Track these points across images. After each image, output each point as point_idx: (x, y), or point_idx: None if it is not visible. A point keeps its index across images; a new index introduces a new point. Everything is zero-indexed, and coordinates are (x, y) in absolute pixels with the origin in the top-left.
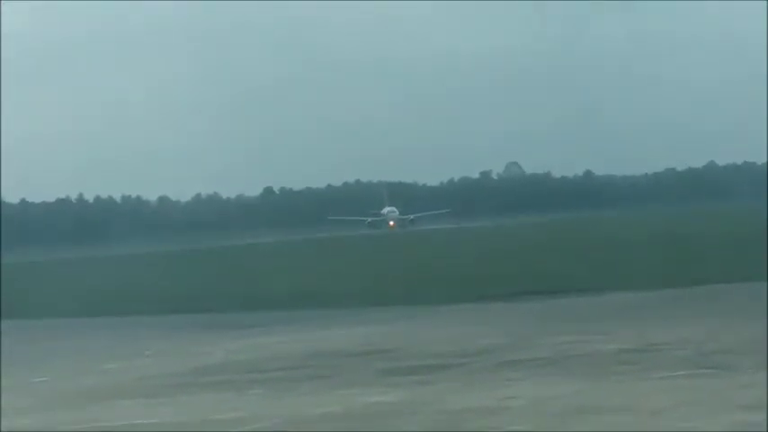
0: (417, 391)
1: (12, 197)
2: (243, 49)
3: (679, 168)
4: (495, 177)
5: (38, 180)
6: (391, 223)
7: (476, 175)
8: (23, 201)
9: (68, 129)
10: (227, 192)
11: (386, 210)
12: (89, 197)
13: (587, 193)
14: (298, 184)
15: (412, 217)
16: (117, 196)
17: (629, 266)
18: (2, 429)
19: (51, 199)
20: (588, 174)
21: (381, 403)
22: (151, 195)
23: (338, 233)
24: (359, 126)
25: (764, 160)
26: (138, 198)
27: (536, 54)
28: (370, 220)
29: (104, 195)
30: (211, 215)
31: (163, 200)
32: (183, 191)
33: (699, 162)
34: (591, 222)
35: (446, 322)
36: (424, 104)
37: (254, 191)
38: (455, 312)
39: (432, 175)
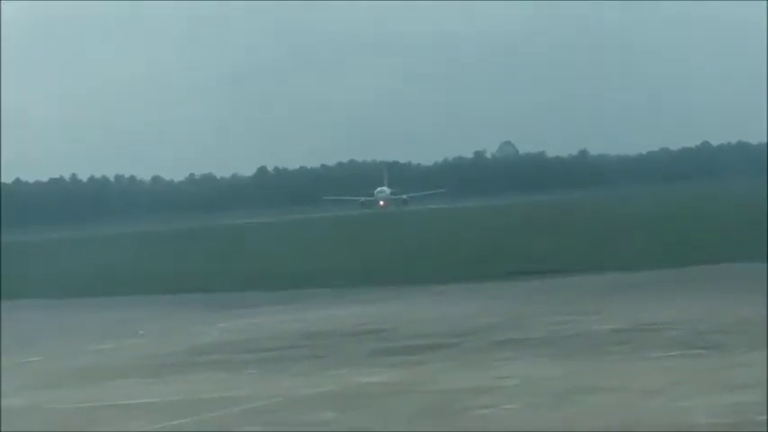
0: (411, 370)
1: (6, 177)
2: (237, 28)
3: (673, 148)
4: (490, 157)
5: (32, 160)
6: (381, 203)
7: (470, 155)
8: (17, 180)
9: (62, 109)
10: (221, 171)
11: (378, 189)
12: (83, 177)
13: (582, 172)
14: (292, 164)
15: (405, 197)
16: (110, 176)
17: (624, 246)
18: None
19: (45, 179)
20: (583, 153)
21: (375, 383)
22: (145, 175)
23: (333, 213)
24: (353, 106)
25: (759, 140)
26: (132, 178)
27: (531, 34)
28: (363, 199)
29: (98, 175)
30: (205, 195)
31: (156, 179)
32: (176, 170)
33: (693, 142)
34: (585, 202)
35: (439, 302)
36: (419, 84)
37: (248, 170)
38: (448, 292)
39: (426, 155)
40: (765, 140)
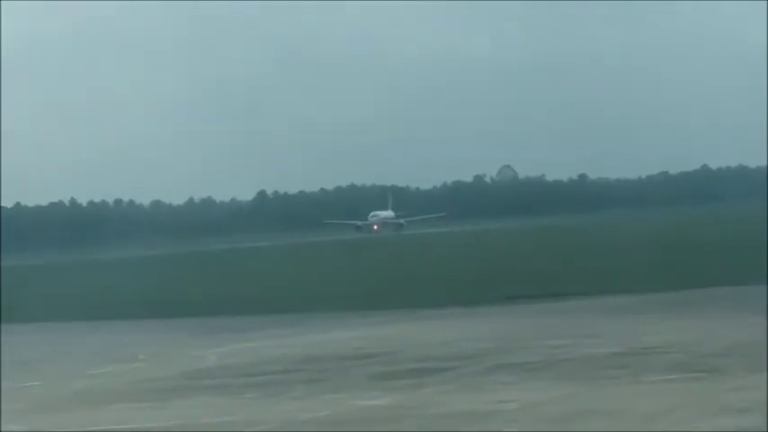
0: (410, 394)
1: (6, 201)
2: (237, 54)
3: (672, 172)
4: (489, 181)
5: (31, 184)
6: (375, 227)
7: (469, 179)
8: (18, 204)
9: (62, 133)
10: (221, 195)
11: (371, 214)
12: (82, 201)
13: (581, 196)
14: (291, 188)
15: (402, 221)
16: (110, 200)
17: (623, 270)
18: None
19: (44, 203)
20: (582, 177)
21: (374, 407)
22: (144, 199)
23: (332, 237)
24: (352, 130)
25: (758, 164)
26: (131, 202)
27: (530, 57)
28: (359, 224)
29: (97, 199)
30: (204, 219)
31: (156, 204)
32: (176, 195)
33: (692, 166)
34: (584, 226)
35: (438, 326)
36: (418, 108)
37: (247, 195)
38: (447, 316)
39: (425, 179)
40: (764, 164)
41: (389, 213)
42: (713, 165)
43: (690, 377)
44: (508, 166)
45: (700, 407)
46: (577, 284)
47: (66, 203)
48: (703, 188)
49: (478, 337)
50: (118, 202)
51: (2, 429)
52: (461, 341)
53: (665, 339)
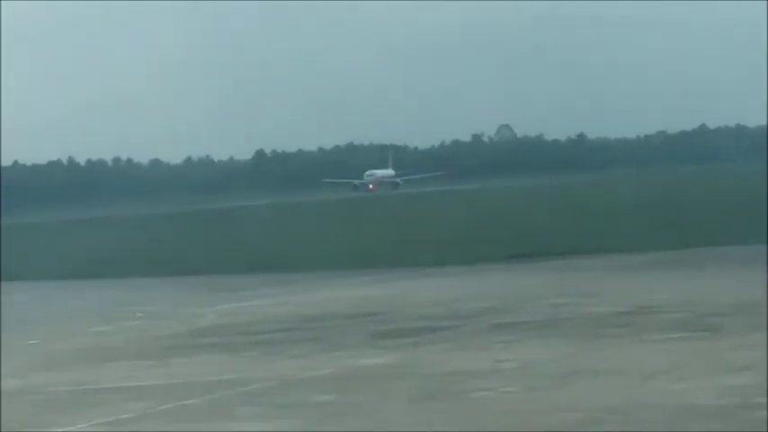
0: (409, 353)
1: (4, 160)
2: (234, 12)
3: (671, 131)
4: (487, 140)
5: (29, 142)
6: (370, 186)
7: (467, 138)
8: (16, 163)
9: (60, 91)
10: (219, 155)
11: (367, 173)
12: (80, 160)
13: (580, 155)
14: (290, 147)
15: (399, 180)
16: (108, 159)
17: (623, 229)
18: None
19: (43, 161)
20: (581, 137)
21: (373, 366)
22: (142, 158)
23: (330, 196)
24: (351, 89)
25: (756, 123)
26: (129, 161)
27: (529, 16)
28: (356, 183)
29: (95, 158)
30: (203, 178)
31: (154, 162)
32: (174, 154)
33: (690, 125)
34: (583, 185)
35: (437, 285)
36: (416, 67)
37: (245, 154)
38: (446, 275)
39: (423, 138)
40: (764, 123)
41: (388, 172)
42: (711, 124)
43: (691, 336)
44: (506, 125)
45: (701, 365)
46: (578, 243)
47: (65, 162)
48: (702, 147)
49: (478, 296)
50: (116, 160)
51: (1, 387)
52: (461, 300)
53: (666, 298)
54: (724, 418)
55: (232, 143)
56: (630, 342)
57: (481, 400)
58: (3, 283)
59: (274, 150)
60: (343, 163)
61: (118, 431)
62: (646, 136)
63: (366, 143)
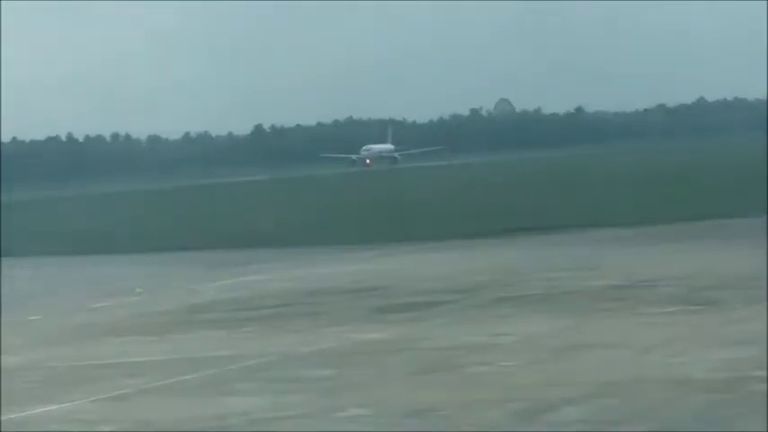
0: (409, 327)
1: (3, 136)
2: None
3: (670, 104)
4: (486, 114)
5: (28, 118)
6: (367, 161)
7: (466, 112)
8: (14, 139)
9: (58, 67)
10: (218, 130)
11: (364, 147)
12: (79, 136)
13: (578, 129)
14: (288, 122)
15: (396, 155)
16: (107, 135)
17: (620, 202)
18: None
19: (41, 137)
20: (579, 110)
21: (373, 340)
22: (141, 134)
23: (328, 171)
24: (349, 64)
25: (756, 96)
26: (128, 136)
27: None
28: (354, 157)
29: (94, 134)
30: (201, 153)
31: (153, 138)
32: (172, 129)
33: (689, 98)
34: (582, 159)
35: (436, 259)
36: (414, 41)
37: (244, 129)
38: (445, 249)
39: (422, 113)
40: (764, 96)
41: (387, 146)
42: (710, 97)
43: (688, 309)
44: (505, 99)
45: (698, 339)
46: (575, 217)
47: (63, 138)
48: (701, 120)
49: (476, 271)
50: (115, 136)
51: (2, 363)
52: (459, 274)
53: (663, 272)
54: (722, 391)
55: (231, 118)
56: (628, 316)
57: (480, 374)
58: (3, 259)
59: (273, 125)
60: (343, 137)
61: (117, 406)
62: (645, 109)
63: (365, 118)
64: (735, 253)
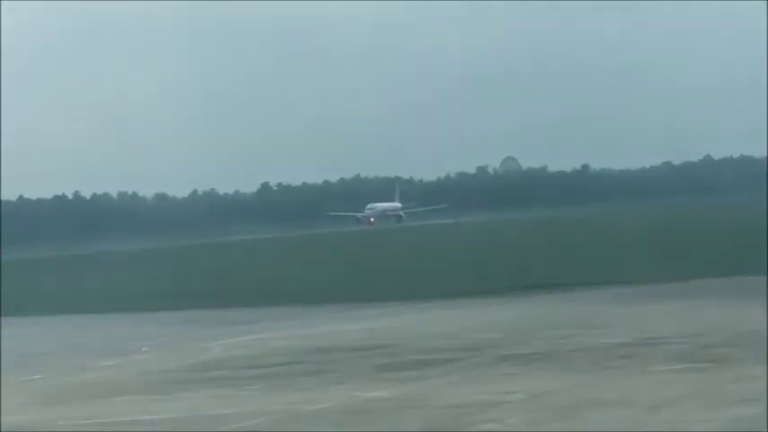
0: (415, 386)
1: (9, 194)
2: (238, 46)
3: (675, 162)
4: (492, 172)
5: (34, 177)
6: (371, 219)
7: (472, 171)
8: (21, 198)
9: (64, 126)
10: (224, 188)
11: (368, 206)
12: (86, 194)
13: (584, 186)
14: (295, 180)
15: (401, 213)
16: (113, 193)
17: (626, 260)
18: (2, 429)
19: (48, 195)
20: (585, 168)
21: (379, 399)
22: (147, 192)
23: (335, 229)
24: (356, 123)
25: (761, 154)
26: (135, 194)
27: (532, 49)
28: (360, 216)
29: (100, 192)
30: (208, 211)
31: (159, 196)
32: (179, 187)
33: (695, 156)
34: (588, 217)
35: (442, 317)
36: (421, 100)
37: (250, 187)
38: (451, 308)
39: (429, 171)
40: (767, 154)
41: (393, 204)
42: (716, 155)
43: (695, 367)
44: (511, 157)
45: (705, 397)
46: (581, 275)
47: (70, 196)
48: (706, 178)
49: (483, 329)
50: (122, 194)
51: (3, 423)
52: (465, 332)
53: (669, 330)
54: None
55: (237, 176)
56: (635, 373)
57: None
58: (6, 318)
59: (280, 183)
60: (350, 195)
61: None
62: (650, 167)
63: (372, 176)
64: (741, 310)
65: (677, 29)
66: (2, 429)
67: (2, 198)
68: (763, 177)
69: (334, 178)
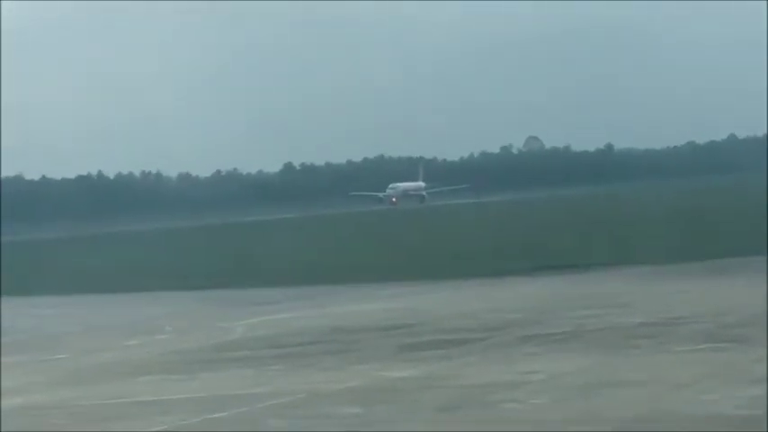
0: (437, 366)
1: (33, 174)
2: (264, 24)
3: (699, 141)
4: (516, 152)
5: (58, 157)
6: (393, 199)
7: (496, 150)
8: (44, 177)
9: (88, 106)
10: (248, 168)
11: (390, 186)
12: (109, 174)
13: (607, 166)
14: (318, 160)
15: (424, 192)
16: (137, 172)
17: (650, 240)
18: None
19: (72, 176)
20: (609, 147)
21: (401, 378)
22: (171, 172)
23: (357, 209)
24: (380, 102)
25: None
26: (159, 174)
27: (556, 28)
28: (382, 195)
29: (125, 172)
30: (231, 191)
31: (183, 176)
32: (202, 167)
33: (719, 135)
34: (611, 196)
35: (464, 297)
36: (444, 79)
37: (274, 167)
38: (474, 287)
39: (452, 151)
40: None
41: (417, 184)
42: (740, 134)
43: (717, 347)
44: (534, 136)
45: (727, 376)
46: (604, 255)
47: (94, 176)
48: (730, 157)
49: (505, 309)
50: (145, 174)
51: (28, 402)
52: (487, 312)
53: (692, 309)
54: (751, 427)
55: (261, 156)
56: (656, 353)
57: (509, 412)
58: (30, 297)
59: (303, 163)
60: (373, 175)
61: None
62: (674, 147)
63: (395, 156)
64: (762, 290)
65: (703, 7)
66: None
67: (26, 178)
68: None
69: (357, 158)
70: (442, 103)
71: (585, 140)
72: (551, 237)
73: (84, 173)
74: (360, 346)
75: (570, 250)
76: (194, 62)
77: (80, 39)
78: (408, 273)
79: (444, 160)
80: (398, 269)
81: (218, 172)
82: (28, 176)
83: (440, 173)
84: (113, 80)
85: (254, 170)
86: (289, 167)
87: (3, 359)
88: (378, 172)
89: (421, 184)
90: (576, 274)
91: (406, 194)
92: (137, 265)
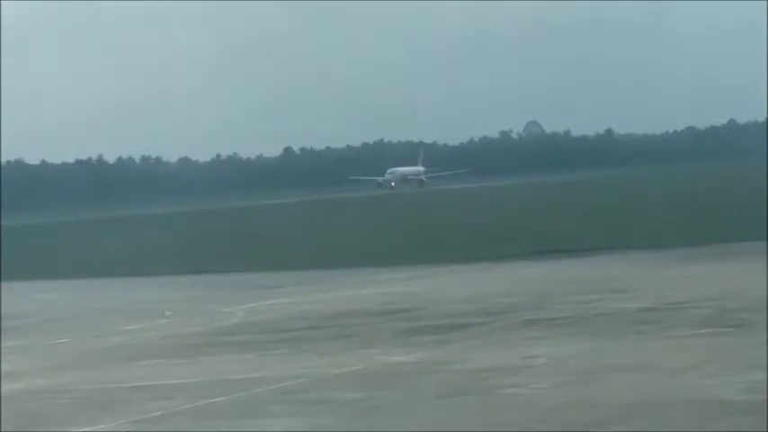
0: (439, 350)
1: (32, 158)
2: (263, 8)
3: (699, 126)
4: (515, 137)
5: (58, 141)
6: (392, 184)
7: (496, 135)
8: (44, 162)
9: (88, 90)
10: (247, 152)
11: (389, 170)
12: (109, 158)
13: (607, 151)
14: (318, 144)
15: (423, 177)
16: (137, 157)
17: (650, 225)
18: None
19: (71, 160)
20: (608, 132)
21: (403, 363)
22: (171, 156)
23: (357, 193)
24: (380, 86)
25: None
26: (158, 159)
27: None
28: (381, 180)
29: (125, 156)
30: (231, 175)
31: (183, 160)
32: (202, 151)
33: (719, 120)
34: (611, 181)
35: (465, 282)
36: (444, 64)
37: (273, 151)
38: (475, 271)
39: (452, 135)
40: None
41: (416, 168)
42: (741, 119)
43: (718, 332)
44: (534, 121)
45: (728, 362)
46: (605, 240)
47: (94, 160)
48: (731, 143)
49: (505, 293)
50: (145, 158)
51: (29, 386)
52: (488, 297)
53: (693, 294)
54: (752, 413)
55: (260, 141)
56: (658, 338)
57: (511, 397)
58: (32, 281)
59: (303, 147)
60: (373, 159)
61: (145, 430)
62: (674, 132)
63: (395, 140)
64: (764, 275)
65: None
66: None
67: (26, 162)
68: None
69: (357, 143)
70: (442, 87)
71: (585, 125)
72: (552, 221)
73: (85, 158)
74: (360, 330)
75: (571, 235)
76: (194, 47)
77: (81, 25)
78: (408, 257)
79: (444, 145)
80: (398, 253)
81: (218, 156)
82: (28, 161)
83: (440, 158)
84: (114, 66)
85: (253, 155)
86: (288, 152)
87: (4, 344)
88: (377, 156)
89: (420, 168)
90: (577, 259)
91: (405, 179)
92: (137, 250)
